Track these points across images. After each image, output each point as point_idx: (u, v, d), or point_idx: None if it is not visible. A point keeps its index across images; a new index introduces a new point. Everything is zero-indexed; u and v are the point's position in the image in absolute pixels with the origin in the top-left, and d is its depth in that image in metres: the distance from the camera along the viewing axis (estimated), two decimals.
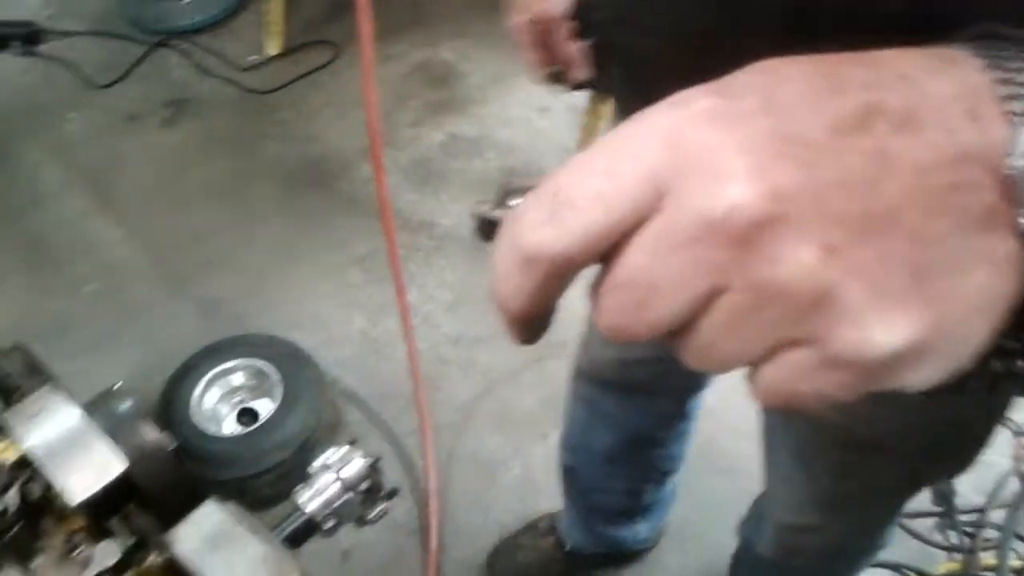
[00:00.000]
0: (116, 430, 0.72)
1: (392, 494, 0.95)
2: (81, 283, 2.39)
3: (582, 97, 2.30)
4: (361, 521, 0.94)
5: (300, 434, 1.92)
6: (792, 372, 0.33)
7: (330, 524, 0.88)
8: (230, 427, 2.01)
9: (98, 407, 0.74)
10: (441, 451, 2.04)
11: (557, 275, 0.35)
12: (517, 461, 2.04)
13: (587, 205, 0.34)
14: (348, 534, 1.87)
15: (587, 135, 2.38)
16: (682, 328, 0.34)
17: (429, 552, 1.88)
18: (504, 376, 2.17)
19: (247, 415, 2.04)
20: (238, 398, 2.06)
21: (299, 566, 0.67)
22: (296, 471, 1.85)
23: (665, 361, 1.27)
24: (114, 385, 0.79)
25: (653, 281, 0.33)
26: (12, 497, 0.65)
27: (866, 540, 1.24)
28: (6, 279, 2.44)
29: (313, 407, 1.97)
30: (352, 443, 0.92)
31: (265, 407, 2.02)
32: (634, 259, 0.34)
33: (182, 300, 2.34)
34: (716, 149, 0.32)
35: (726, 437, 1.94)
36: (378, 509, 0.94)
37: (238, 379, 2.05)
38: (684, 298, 0.33)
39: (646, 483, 1.63)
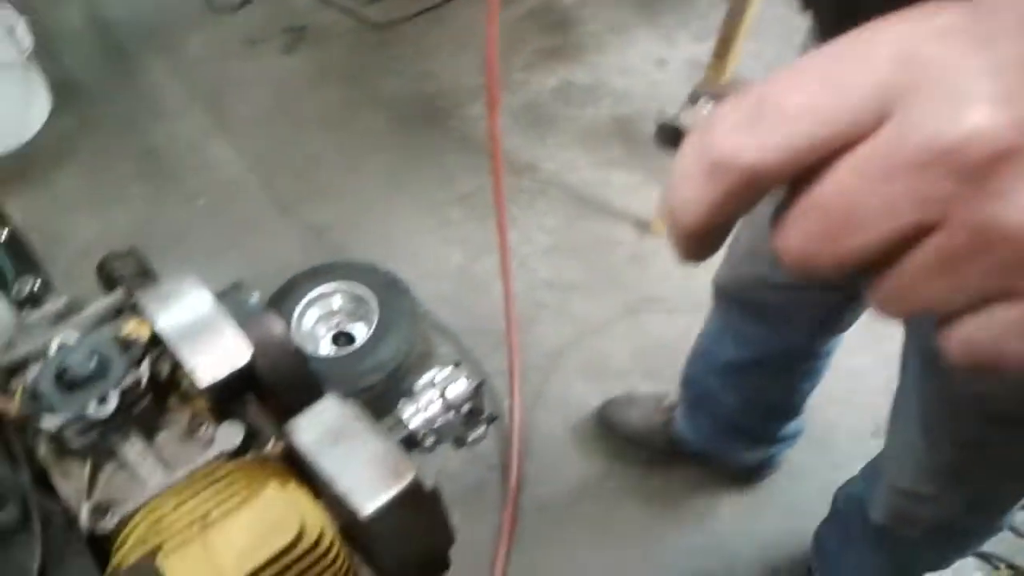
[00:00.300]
0: (244, 320, 0.74)
1: (492, 419, 0.96)
2: (194, 197, 2.47)
3: (703, 50, 2.25)
4: (460, 442, 0.95)
5: (392, 360, 1.95)
6: (1002, 329, 0.29)
7: (430, 441, 0.90)
8: (326, 348, 2.06)
9: (228, 297, 0.76)
10: (528, 392, 2.05)
11: (745, 188, 0.32)
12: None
13: (798, 115, 0.30)
14: (430, 462, 1.92)
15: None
16: (876, 265, 0.31)
17: (509, 488, 1.90)
18: (597, 325, 2.17)
19: (342, 338, 2.09)
20: (335, 321, 2.11)
21: (415, 466, 0.68)
22: (386, 396, 1.90)
23: (803, 291, 1.27)
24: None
25: (856, 208, 0.30)
26: (144, 371, 0.68)
27: (982, 520, 1.19)
28: (126, 189, 2.54)
29: (407, 336, 2.00)
30: (457, 364, 0.93)
31: (360, 332, 2.06)
32: (839, 181, 0.30)
33: (288, 222, 2.40)
34: (959, 68, 0.28)
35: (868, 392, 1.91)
36: (478, 432, 0.95)
37: (337, 302, 2.10)
38: (888, 231, 0.29)
39: (759, 408, 1.63)
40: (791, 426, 1.72)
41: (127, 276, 0.83)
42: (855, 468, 1.49)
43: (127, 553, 0.64)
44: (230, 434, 0.69)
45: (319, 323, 2.09)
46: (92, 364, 0.67)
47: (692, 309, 2.15)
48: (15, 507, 0.65)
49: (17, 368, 0.72)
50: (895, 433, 1.14)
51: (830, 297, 1.28)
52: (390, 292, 2.07)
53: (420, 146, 2.56)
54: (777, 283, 1.28)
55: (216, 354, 0.71)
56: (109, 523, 0.65)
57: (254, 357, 0.72)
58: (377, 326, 2.01)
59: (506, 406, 2.02)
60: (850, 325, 1.37)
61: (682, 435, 1.85)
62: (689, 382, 1.73)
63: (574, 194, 2.41)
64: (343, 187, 2.47)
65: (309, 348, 2.01)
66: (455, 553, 1.88)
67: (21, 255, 1.01)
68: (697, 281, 2.19)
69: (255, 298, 0.77)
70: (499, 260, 2.04)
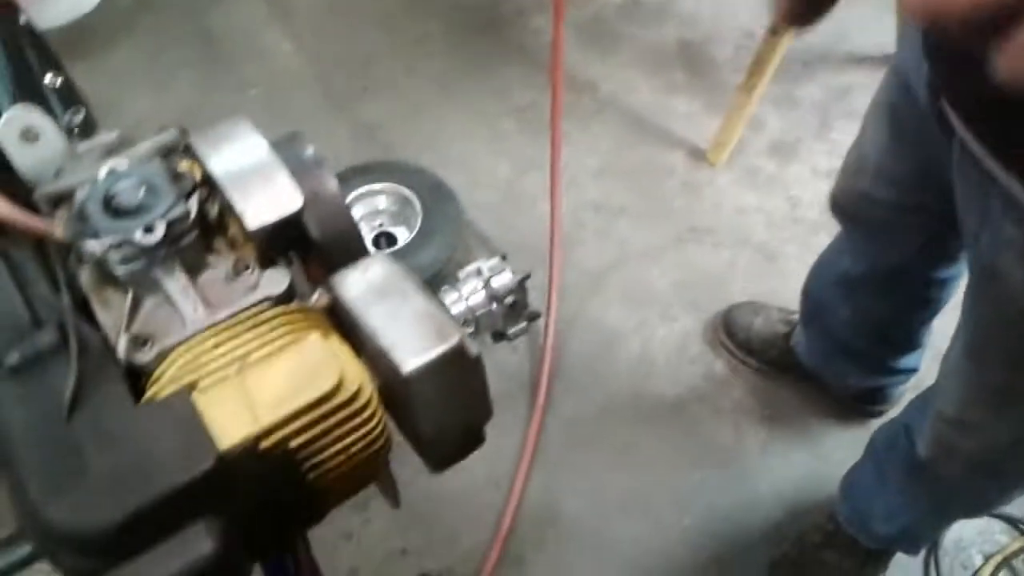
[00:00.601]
0: (297, 171, 0.72)
1: (535, 316, 0.93)
2: (247, 86, 2.45)
3: None
4: (499, 336, 0.93)
5: (432, 266, 1.94)
6: None
7: (469, 331, 0.88)
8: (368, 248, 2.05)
9: (283, 147, 0.74)
10: (564, 312, 2.03)
11: None
12: (638, 338, 2.01)
13: None
14: None
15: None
16: (1003, 21, 0.29)
17: (535, 407, 1.89)
18: (641, 252, 2.13)
19: (384, 239, 2.07)
20: (379, 221, 2.09)
21: (461, 330, 0.66)
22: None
23: (903, 211, 1.27)
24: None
25: None
26: (192, 205, 0.66)
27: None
28: (180, 71, 2.52)
29: (448, 242, 1.99)
30: (503, 257, 0.90)
31: (402, 235, 2.05)
32: None
33: (339, 118, 2.37)
34: None
35: None
36: (518, 327, 0.93)
37: (382, 202, 2.08)
38: None
39: (870, 327, 1.61)
40: (904, 360, 1.68)
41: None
42: None
43: (162, 387, 0.63)
44: (276, 279, 0.67)
45: (362, 222, 2.08)
46: (141, 192, 0.66)
47: (738, 243, 2.11)
48: (53, 330, 0.64)
49: (64, 197, 0.71)
50: (947, 359, 1.13)
51: (928, 221, 1.26)
52: (435, 197, 2.05)
53: (479, 54, 2.51)
54: (878, 199, 1.30)
55: (267, 199, 0.69)
56: (146, 356, 0.64)
57: (305, 207, 0.70)
58: (419, 230, 2.00)
59: (541, 323, 2.00)
60: (956, 255, 1.35)
61: (797, 348, 1.84)
62: (808, 293, 1.73)
63: (631, 116, 2.35)
64: (398, 88, 2.43)
65: None
66: (475, 462, 1.90)
67: (72, 101, 0.99)
68: (747, 217, 2.14)
69: (310, 151, 0.75)
70: (548, 177, 2.01)
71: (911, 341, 1.64)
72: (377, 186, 2.07)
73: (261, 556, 0.65)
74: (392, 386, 0.66)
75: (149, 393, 0.63)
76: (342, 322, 0.68)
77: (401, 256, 1.96)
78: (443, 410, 0.67)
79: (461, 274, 0.90)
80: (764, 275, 2.08)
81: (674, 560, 1.74)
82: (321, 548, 1.72)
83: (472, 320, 0.88)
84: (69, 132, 0.75)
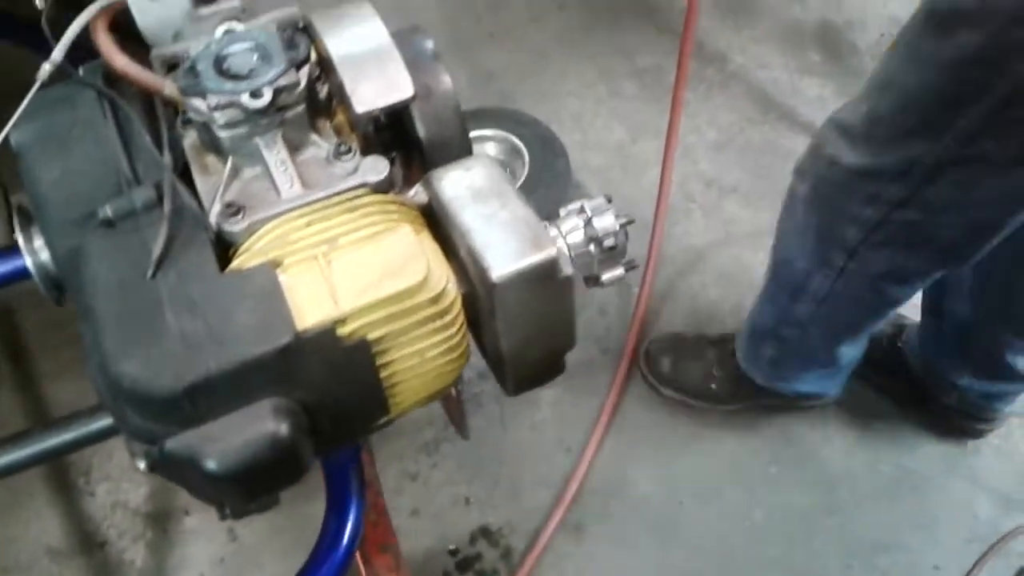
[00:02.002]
0: (413, 63, 0.69)
1: (632, 266, 0.88)
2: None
3: None
4: (594, 280, 0.88)
5: None
6: None
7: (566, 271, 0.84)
8: None
9: (403, 37, 0.71)
10: (658, 285, 1.97)
11: None
12: (732, 321, 1.93)
13: None
14: None
15: None
16: None
17: (617, 376, 1.84)
18: (747, 234, 2.05)
19: None
20: None
21: (557, 245, 0.62)
22: None
23: None
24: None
25: None
26: (303, 76, 0.64)
27: None
28: None
29: (551, 198, 1.95)
30: (609, 200, 0.86)
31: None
32: None
33: (461, 60, 2.35)
34: None
35: None
36: (615, 273, 0.88)
37: (491, 149, 2.05)
38: None
39: (997, 295, 1.51)
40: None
41: None
42: None
43: (248, 259, 0.61)
44: (375, 167, 0.65)
45: None
46: (254, 58, 0.64)
47: None
48: (150, 188, 0.63)
49: (179, 60, 0.70)
50: None
51: None
52: (545, 151, 2.01)
53: (609, 10, 2.44)
54: None
55: (379, 84, 0.66)
56: (237, 225, 0.62)
57: (415, 100, 0.67)
58: (525, 181, 1.96)
59: (634, 294, 1.95)
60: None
61: (907, 347, 1.75)
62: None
63: (757, 93, 2.26)
64: (522, 37, 2.39)
65: None
66: (548, 422, 1.85)
67: None
68: None
69: (430, 45, 0.72)
70: (662, 145, 1.94)
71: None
72: (488, 132, 2.04)
73: (324, 448, 0.63)
74: (478, 294, 0.63)
75: (235, 263, 0.62)
76: (437, 222, 0.65)
77: None
78: (527, 326, 0.64)
79: (562, 211, 0.85)
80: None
81: (737, 553, 1.68)
82: (386, 485, 1.73)
83: (568, 259, 0.84)
84: None
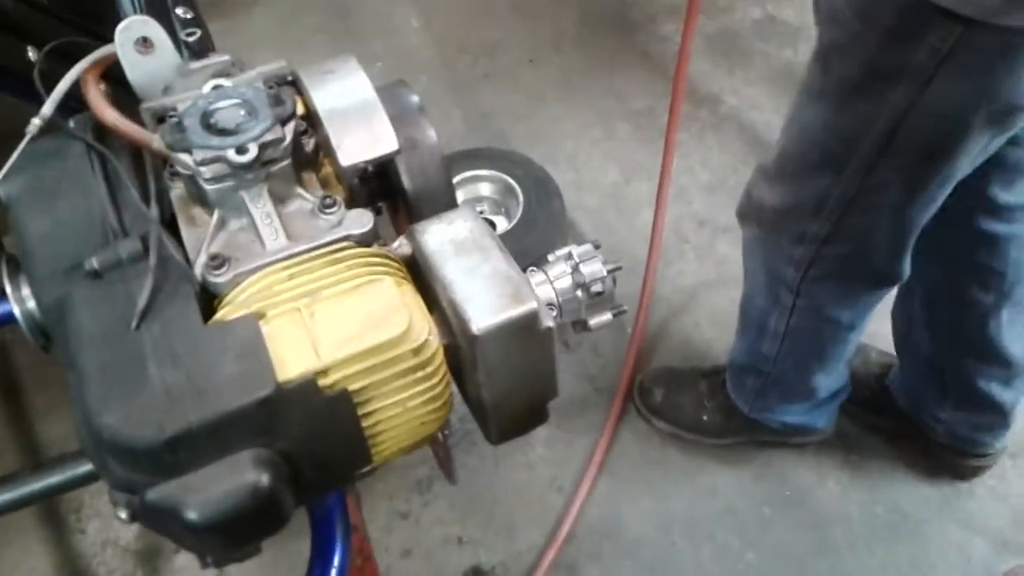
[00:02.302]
0: (398, 116, 0.71)
1: (620, 311, 0.89)
2: (373, 59, 2.48)
3: None
4: (581, 325, 0.89)
5: (525, 259, 1.90)
6: None
7: (552, 315, 0.85)
8: None
9: (388, 91, 0.73)
10: (651, 325, 1.98)
11: None
12: (724, 361, 1.94)
13: None
14: None
15: None
16: None
17: (611, 415, 1.85)
18: (740, 275, 2.05)
19: None
20: (480, 207, 2.08)
21: (537, 298, 0.63)
22: None
23: None
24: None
25: None
26: (288, 132, 0.65)
27: None
28: (311, 37, 2.57)
29: (545, 238, 1.96)
30: (596, 246, 0.87)
31: (501, 224, 2.03)
32: None
33: (456, 101, 2.38)
34: None
35: None
36: (602, 318, 0.89)
37: (485, 189, 2.07)
38: None
39: (949, 333, 1.56)
40: (996, 384, 1.55)
41: None
42: None
43: (231, 311, 0.62)
44: (359, 219, 0.66)
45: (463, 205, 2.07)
46: (240, 113, 0.65)
47: None
48: (136, 240, 0.64)
49: (168, 114, 0.71)
50: None
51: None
52: (539, 191, 2.02)
53: (602, 53, 2.48)
54: None
55: (364, 138, 0.68)
56: (222, 277, 0.63)
57: (400, 152, 0.69)
58: (519, 222, 1.98)
59: (628, 334, 1.95)
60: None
61: (892, 385, 1.76)
62: (893, 312, 1.65)
63: (750, 135, 2.28)
64: (519, 79, 2.43)
65: None
66: (542, 461, 1.86)
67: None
68: None
69: (415, 99, 0.73)
70: (655, 185, 1.96)
71: (991, 343, 1.49)
72: (483, 172, 2.05)
73: (306, 497, 0.63)
74: (460, 345, 0.63)
75: (218, 315, 0.62)
76: (419, 274, 0.66)
77: None
78: (508, 377, 0.64)
79: (551, 256, 0.86)
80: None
81: None
82: (377, 523, 1.74)
83: (556, 304, 0.85)
84: (184, 50, 0.75)
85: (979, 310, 1.46)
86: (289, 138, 0.65)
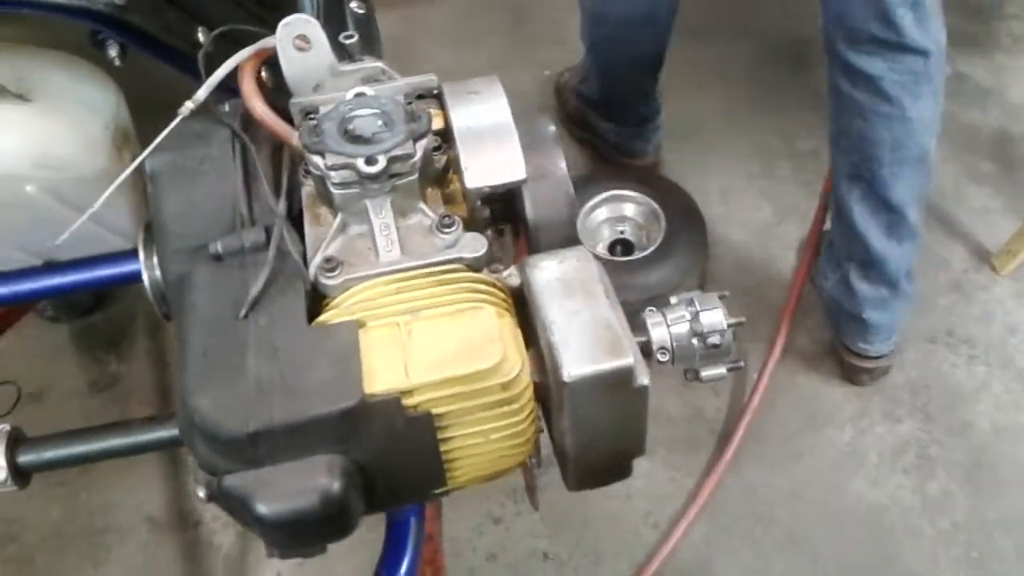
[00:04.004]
0: (532, 145, 0.70)
1: (737, 367, 0.85)
2: (542, 66, 2.48)
3: None
4: (693, 375, 0.86)
5: (658, 286, 1.88)
6: None
7: (664, 359, 0.82)
8: (601, 248, 2.02)
9: (527, 118, 0.72)
10: (780, 376, 1.90)
11: None
12: (852, 426, 1.85)
13: None
14: (658, 397, 1.84)
15: None
16: None
17: (720, 461, 1.78)
18: None
19: (620, 246, 2.04)
20: (620, 228, 2.06)
21: (635, 354, 0.61)
22: (632, 317, 1.83)
23: None
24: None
25: None
26: (419, 149, 0.66)
27: None
28: (486, 37, 2.60)
29: (681, 268, 1.92)
30: (723, 296, 0.84)
31: (640, 247, 2.01)
32: None
33: None
34: None
35: None
36: (715, 372, 0.85)
37: (629, 210, 2.05)
38: None
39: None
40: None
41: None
42: None
43: (336, 315, 0.63)
44: (474, 243, 0.66)
45: (606, 223, 2.06)
46: (378, 123, 0.66)
47: (1000, 364, 1.89)
48: (261, 231, 0.66)
49: (314, 111, 0.73)
50: None
51: None
52: (684, 220, 1.99)
53: (773, 88, 2.40)
54: None
55: (493, 162, 0.68)
56: (333, 280, 0.65)
57: (528, 182, 0.68)
58: (658, 247, 1.95)
59: (751, 384, 1.89)
60: None
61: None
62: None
63: None
64: (681, 102, 2.37)
65: (587, 242, 1.98)
66: (640, 494, 1.82)
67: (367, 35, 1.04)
68: (1019, 339, 1.91)
69: (552, 129, 0.73)
70: (807, 232, 1.88)
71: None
72: (629, 192, 2.03)
73: (377, 507, 0.64)
74: (550, 387, 0.62)
75: (323, 316, 0.64)
76: (524, 307, 0.65)
77: (631, 268, 1.92)
78: (594, 428, 0.63)
79: (673, 299, 0.84)
80: (1020, 407, 1.84)
81: None
82: (468, 522, 1.75)
83: (668, 349, 0.82)
84: (341, 53, 0.77)
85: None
86: (419, 155, 0.65)
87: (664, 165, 2.25)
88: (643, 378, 0.61)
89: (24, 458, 0.70)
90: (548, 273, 0.64)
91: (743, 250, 2.10)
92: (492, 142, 0.68)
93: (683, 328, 0.80)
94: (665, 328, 0.80)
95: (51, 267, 0.98)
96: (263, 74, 0.78)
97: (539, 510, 0.83)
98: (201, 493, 0.61)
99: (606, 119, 2.14)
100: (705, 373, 0.84)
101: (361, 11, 1.08)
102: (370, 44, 1.00)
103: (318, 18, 0.86)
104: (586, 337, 0.60)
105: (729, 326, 0.82)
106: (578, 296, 0.62)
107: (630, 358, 0.60)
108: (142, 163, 0.69)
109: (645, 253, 1.95)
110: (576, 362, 0.59)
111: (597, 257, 0.77)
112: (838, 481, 1.78)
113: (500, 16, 2.67)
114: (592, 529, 1.75)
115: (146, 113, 0.92)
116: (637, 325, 0.80)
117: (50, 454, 0.72)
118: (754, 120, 2.34)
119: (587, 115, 2.17)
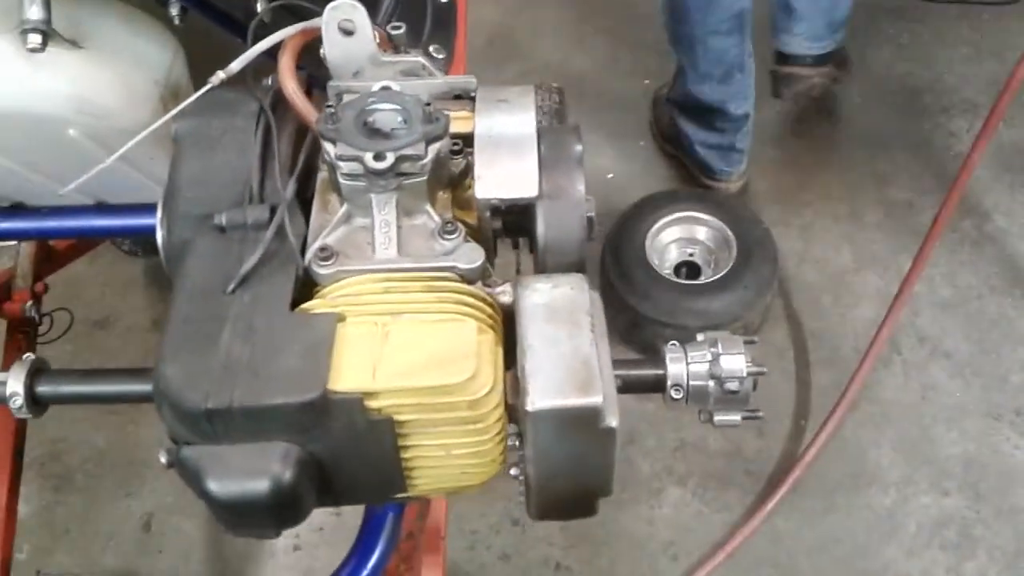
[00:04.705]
0: (553, 161, 0.68)
1: (753, 416, 0.82)
2: (640, 75, 2.45)
3: None
4: (706, 416, 0.83)
5: (717, 315, 1.83)
6: None
7: (677, 396, 0.79)
8: (665, 268, 1.98)
9: (554, 134, 0.70)
10: (837, 439, 1.81)
11: None
12: (896, 492, 1.77)
13: None
14: (701, 427, 1.80)
15: None
16: None
17: (761, 509, 1.72)
18: (946, 407, 1.86)
19: (685, 268, 1.99)
20: (691, 249, 2.01)
21: (603, 395, 0.59)
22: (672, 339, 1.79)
23: None
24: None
25: None
26: (431, 152, 0.65)
27: None
28: (594, 38, 2.57)
29: (745, 301, 1.86)
30: (752, 342, 0.80)
31: (707, 272, 1.96)
32: None
33: None
34: None
35: None
36: (729, 418, 0.82)
37: (702, 233, 1.99)
38: None
39: None
40: None
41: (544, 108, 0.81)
42: None
43: (320, 305, 0.63)
44: (471, 254, 0.65)
45: (675, 242, 2.01)
46: (398, 119, 0.66)
47: None
48: (266, 210, 0.67)
49: (328, 103, 0.73)
50: None
51: None
52: (756, 251, 1.92)
53: (877, 130, 2.30)
54: None
55: (507, 174, 0.66)
56: (326, 269, 0.65)
57: (541, 199, 0.67)
58: (724, 276, 1.89)
59: (802, 427, 1.82)
60: None
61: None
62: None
63: (1010, 263, 2.04)
64: (778, 133, 2.31)
65: (653, 260, 1.94)
66: (666, 522, 1.77)
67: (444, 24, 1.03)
68: None
69: (579, 148, 0.70)
70: (887, 284, 1.80)
71: None
72: (704, 216, 1.98)
73: (331, 503, 0.64)
74: (520, 415, 0.61)
75: (306, 304, 0.63)
76: (511, 326, 0.64)
77: (694, 292, 1.87)
78: (557, 462, 0.61)
79: (700, 336, 0.81)
80: None
81: None
82: (487, 519, 1.75)
83: (683, 387, 0.80)
84: (389, 42, 0.77)
85: None
86: (430, 157, 0.64)
87: (748, 194, 2.19)
88: (612, 420, 0.59)
89: (42, 388, 0.72)
90: (538, 296, 0.62)
91: (814, 292, 2.03)
92: (509, 154, 0.67)
93: (702, 368, 0.78)
94: (684, 365, 0.78)
95: (100, 208, 1.01)
96: (322, 52, 0.78)
97: (533, 519, 0.82)
98: (163, 459, 0.62)
99: (692, 121, 2.09)
100: (719, 418, 0.81)
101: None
102: (443, 32, 0.99)
103: (396, 3, 0.87)
104: (559, 369, 0.58)
105: (749, 374, 0.79)
106: (562, 325, 0.60)
107: (599, 397, 0.57)
108: (169, 123, 0.70)
109: (710, 279, 1.89)
110: (542, 393, 0.57)
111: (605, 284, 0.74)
112: (870, 544, 1.70)
113: (611, 20, 2.64)
114: (610, 548, 1.72)
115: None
116: (656, 357, 0.78)
117: (67, 389, 0.74)
118: (851, 160, 2.25)
119: (677, 125, 2.13)
